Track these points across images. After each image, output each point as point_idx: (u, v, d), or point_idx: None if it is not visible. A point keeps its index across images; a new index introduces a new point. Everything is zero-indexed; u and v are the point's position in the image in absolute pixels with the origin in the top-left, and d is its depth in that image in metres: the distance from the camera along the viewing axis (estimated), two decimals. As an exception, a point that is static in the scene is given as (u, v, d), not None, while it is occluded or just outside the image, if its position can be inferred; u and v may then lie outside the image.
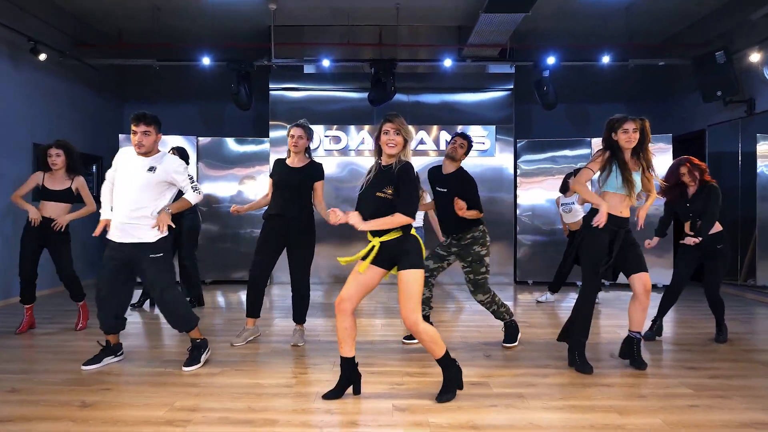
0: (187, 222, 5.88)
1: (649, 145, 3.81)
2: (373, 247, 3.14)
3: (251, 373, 3.74)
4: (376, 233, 3.16)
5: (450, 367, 3.22)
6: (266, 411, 3.07)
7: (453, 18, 7.97)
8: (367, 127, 8.23)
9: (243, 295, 7.01)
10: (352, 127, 8.24)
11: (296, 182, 4.40)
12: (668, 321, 5.48)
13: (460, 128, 8.13)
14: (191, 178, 3.81)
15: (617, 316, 5.73)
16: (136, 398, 3.25)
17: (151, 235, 3.68)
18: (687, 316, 5.81)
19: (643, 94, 9.16)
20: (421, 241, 3.22)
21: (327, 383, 3.44)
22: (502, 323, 4.54)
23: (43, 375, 3.68)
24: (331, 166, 8.25)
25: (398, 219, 3.07)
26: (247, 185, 8.13)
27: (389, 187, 3.10)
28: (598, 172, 3.84)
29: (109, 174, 3.81)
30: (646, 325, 4.36)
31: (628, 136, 3.71)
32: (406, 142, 3.15)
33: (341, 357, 3.24)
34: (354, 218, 3.08)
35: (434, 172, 4.49)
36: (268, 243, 4.45)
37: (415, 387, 3.45)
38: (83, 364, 3.80)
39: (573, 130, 9.18)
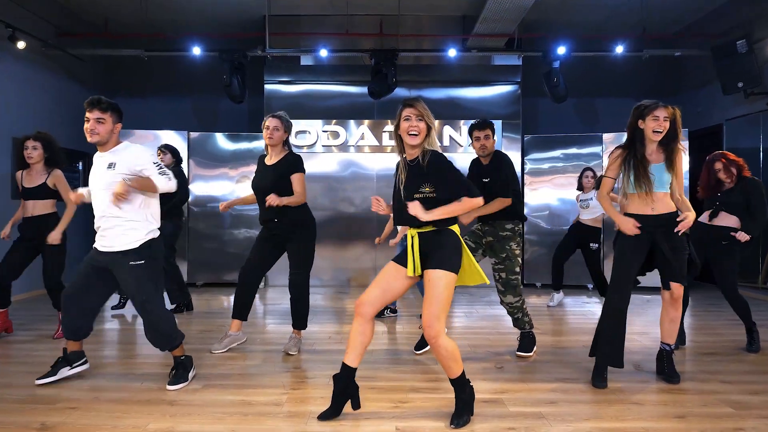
0: (168, 226, 5.42)
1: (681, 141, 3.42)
2: (412, 238, 2.77)
3: (237, 389, 3.33)
4: (415, 225, 2.76)
5: (465, 387, 2.80)
6: (251, 435, 2.67)
7: (457, 7, 7.58)
8: (367, 121, 7.84)
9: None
10: (352, 122, 7.85)
11: (269, 183, 3.94)
12: (691, 328, 5.10)
13: (462, 123, 7.77)
14: (158, 166, 3.31)
15: (634, 322, 5.34)
16: (104, 419, 2.85)
17: (129, 241, 3.25)
18: (709, 322, 5.42)
19: (657, 88, 8.74)
20: (462, 241, 2.81)
21: (322, 400, 3.05)
22: (519, 332, 4.15)
23: (2, 390, 3.28)
24: (329, 162, 7.88)
25: (467, 204, 2.72)
26: (241, 183, 7.72)
27: (426, 185, 2.73)
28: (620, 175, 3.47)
29: None
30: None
31: (658, 123, 3.32)
32: (429, 128, 2.77)
33: (343, 365, 2.81)
34: (415, 208, 2.66)
35: (477, 163, 4.12)
36: (260, 242, 4.12)
37: (421, 405, 3.05)
38: (37, 378, 3.37)
39: (581, 125, 8.78)
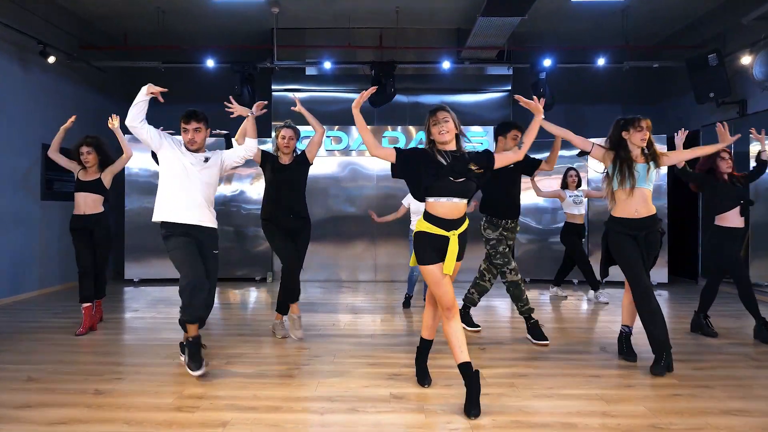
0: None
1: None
2: (449, 239, 3.10)
3: (255, 365, 3.90)
4: (453, 227, 3.13)
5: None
6: (270, 399, 3.23)
7: (451, 21, 8.13)
8: (368, 127, 8.38)
9: (250, 294, 7.24)
10: (353, 128, 8.41)
11: (288, 178, 4.62)
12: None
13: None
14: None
15: (612, 311, 5.90)
16: (146, 387, 3.42)
17: (213, 220, 3.89)
18: (683, 312, 5.98)
19: (640, 96, 9.30)
20: None
21: (328, 373, 3.64)
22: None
23: (58, 366, 3.84)
24: (332, 165, 8.44)
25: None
26: (247, 184, 8.28)
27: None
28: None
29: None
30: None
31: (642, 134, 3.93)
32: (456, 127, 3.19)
33: (422, 339, 3.47)
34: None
35: None
36: (283, 242, 4.62)
37: (412, 376, 3.59)
38: (193, 372, 3.55)
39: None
